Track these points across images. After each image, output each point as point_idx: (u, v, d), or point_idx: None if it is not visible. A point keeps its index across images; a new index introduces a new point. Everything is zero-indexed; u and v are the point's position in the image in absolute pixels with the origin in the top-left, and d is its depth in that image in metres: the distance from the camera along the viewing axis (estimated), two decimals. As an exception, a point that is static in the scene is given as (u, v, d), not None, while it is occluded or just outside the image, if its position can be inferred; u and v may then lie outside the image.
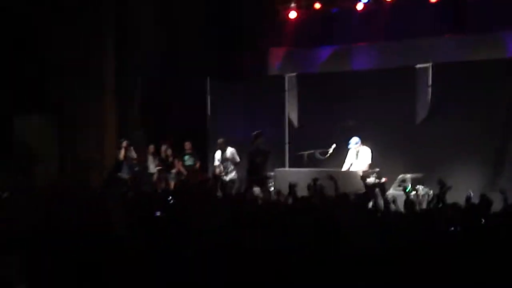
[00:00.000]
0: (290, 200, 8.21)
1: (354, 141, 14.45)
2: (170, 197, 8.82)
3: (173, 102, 17.38)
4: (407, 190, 12.06)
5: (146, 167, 16.53)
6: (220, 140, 15.53)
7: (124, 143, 16.16)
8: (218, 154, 15.49)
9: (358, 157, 14.49)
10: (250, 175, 14.19)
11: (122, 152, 16.15)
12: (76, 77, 16.31)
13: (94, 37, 16.46)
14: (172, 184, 15.82)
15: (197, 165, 16.43)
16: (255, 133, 14.76)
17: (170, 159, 16.53)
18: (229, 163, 15.41)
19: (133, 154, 16.33)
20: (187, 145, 16.38)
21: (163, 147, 16.58)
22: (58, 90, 16.38)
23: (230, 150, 15.45)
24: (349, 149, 14.53)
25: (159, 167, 16.47)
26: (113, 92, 16.87)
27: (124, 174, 15.97)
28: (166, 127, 17.05)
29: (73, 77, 16.32)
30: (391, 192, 13.09)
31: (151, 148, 16.68)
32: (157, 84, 17.36)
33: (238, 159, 15.42)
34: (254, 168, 14.33)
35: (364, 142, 14.55)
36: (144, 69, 17.25)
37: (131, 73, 17.21)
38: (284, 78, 16.53)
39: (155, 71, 17.24)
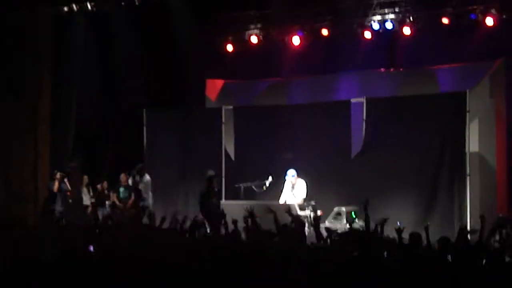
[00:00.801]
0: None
1: (291, 173, 14.54)
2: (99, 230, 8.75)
3: (108, 132, 17.24)
4: (353, 216, 12.20)
5: (80, 199, 16.28)
6: (138, 166, 15.68)
7: (58, 175, 15.92)
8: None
9: (294, 190, 14.57)
10: (207, 214, 14.07)
11: (56, 184, 15.90)
12: (11, 104, 16.06)
13: (30, 66, 16.28)
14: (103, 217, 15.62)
15: (131, 198, 16.22)
16: (209, 175, 14.80)
17: (106, 192, 16.33)
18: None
19: (67, 186, 16.09)
20: (123, 177, 16.22)
21: (99, 185, 16.40)
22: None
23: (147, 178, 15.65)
24: (285, 181, 14.61)
25: (92, 201, 16.27)
26: (47, 122, 16.64)
27: (58, 206, 15.70)
28: (101, 158, 16.87)
29: (7, 106, 16.06)
30: (327, 224, 13.18)
31: (85, 179, 16.45)
32: (92, 114, 17.19)
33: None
34: (212, 207, 14.30)
35: (299, 174, 14.64)
36: (80, 99, 17.10)
37: (66, 103, 17.03)
38: (221, 110, 16.57)
39: (90, 101, 17.09)
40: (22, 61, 16.23)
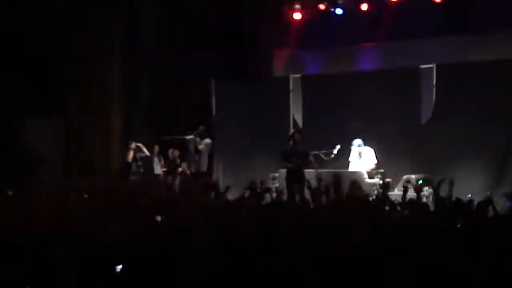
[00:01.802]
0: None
1: (357, 142, 14.49)
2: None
3: (178, 103, 17.43)
4: (419, 183, 12.11)
5: (152, 168, 16.54)
6: (200, 128, 15.92)
7: (133, 145, 16.17)
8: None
9: (362, 158, 14.52)
10: (291, 174, 13.94)
11: (131, 153, 16.16)
12: (82, 79, 16.39)
13: (101, 41, 16.54)
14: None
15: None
16: (292, 132, 14.79)
17: (177, 161, 16.53)
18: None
19: (145, 152, 16.29)
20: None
21: (170, 150, 16.59)
22: (64, 92, 16.45)
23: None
24: (351, 150, 14.57)
25: (164, 169, 16.49)
26: (119, 94, 16.93)
27: (132, 176, 15.99)
28: (172, 128, 17.08)
29: (79, 80, 16.40)
30: (396, 192, 13.10)
31: (156, 148, 16.68)
32: (162, 85, 17.42)
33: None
34: (297, 166, 14.03)
35: (368, 142, 14.58)
36: (149, 70, 17.32)
37: (136, 75, 17.27)
38: (288, 80, 16.55)
39: (159, 72, 17.31)
40: (94, 35, 16.49)
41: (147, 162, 16.39)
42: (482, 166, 13.97)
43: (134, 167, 16.18)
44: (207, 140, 16.00)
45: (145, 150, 16.15)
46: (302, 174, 13.53)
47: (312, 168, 14.09)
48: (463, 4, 15.62)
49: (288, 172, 13.95)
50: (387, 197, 8.62)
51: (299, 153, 14.08)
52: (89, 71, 16.47)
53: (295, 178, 13.42)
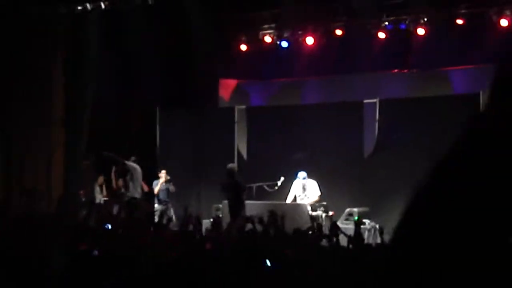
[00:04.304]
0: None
1: (302, 175, 14.55)
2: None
3: (122, 132, 17.28)
4: (355, 219, 12.20)
5: (93, 198, 16.30)
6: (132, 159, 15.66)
7: (163, 174, 15.85)
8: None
9: (306, 190, 14.58)
10: (233, 207, 14.06)
11: (160, 183, 15.83)
12: (25, 103, 16.15)
13: (43, 65, 16.34)
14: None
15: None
16: (230, 167, 14.79)
17: (122, 190, 16.32)
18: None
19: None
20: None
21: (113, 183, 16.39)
22: (6, 116, 16.21)
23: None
24: (293, 182, 14.63)
25: (105, 199, 16.27)
26: (61, 122, 16.72)
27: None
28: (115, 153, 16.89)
29: (22, 104, 16.16)
30: (339, 225, 13.15)
31: (100, 179, 16.46)
32: (106, 114, 17.24)
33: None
34: (238, 199, 14.20)
35: (312, 175, 14.66)
36: (93, 98, 17.15)
37: (80, 103, 17.08)
38: (234, 110, 16.58)
39: (104, 101, 17.13)
40: (35, 61, 16.28)
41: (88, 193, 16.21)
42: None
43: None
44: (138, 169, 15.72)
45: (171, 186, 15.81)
46: (241, 206, 13.62)
47: (252, 199, 14.20)
48: (405, 42, 15.93)
49: (228, 205, 14.02)
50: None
51: (237, 186, 14.21)
52: (31, 98, 16.22)
53: (235, 211, 13.51)
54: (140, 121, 17.24)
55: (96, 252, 6.64)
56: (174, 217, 14.19)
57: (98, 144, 17.14)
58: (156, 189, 15.83)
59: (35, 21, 16.14)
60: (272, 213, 8.91)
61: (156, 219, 13.35)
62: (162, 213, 13.68)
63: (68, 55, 16.79)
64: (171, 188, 15.79)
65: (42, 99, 16.39)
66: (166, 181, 15.80)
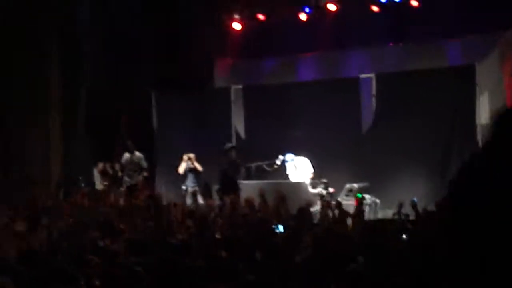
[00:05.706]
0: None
1: (290, 157, 14.51)
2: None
3: (118, 116, 17.24)
4: (359, 196, 12.26)
5: (93, 184, 16.30)
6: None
7: (185, 157, 15.57)
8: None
9: (297, 169, 14.55)
10: (224, 186, 14.14)
11: (183, 165, 15.53)
12: (22, 89, 16.10)
13: (39, 52, 16.27)
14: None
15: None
16: (228, 147, 14.78)
17: (119, 174, 16.27)
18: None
19: (196, 165, 15.83)
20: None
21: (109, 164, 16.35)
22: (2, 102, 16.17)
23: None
24: (285, 166, 14.64)
25: (105, 184, 16.23)
26: (57, 108, 16.67)
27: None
28: (112, 142, 16.87)
29: (19, 90, 16.12)
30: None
31: (100, 165, 16.41)
32: (102, 97, 17.17)
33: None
34: (229, 179, 14.32)
35: (309, 152, 14.63)
36: (88, 81, 17.09)
37: (75, 86, 17.02)
38: (229, 90, 16.53)
39: (99, 85, 17.08)
40: (29, 45, 16.19)
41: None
42: (421, 172, 14.16)
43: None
44: (138, 154, 15.56)
45: (196, 163, 15.54)
46: (236, 184, 14.05)
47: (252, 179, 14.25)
48: (401, 15, 15.86)
49: (224, 185, 14.19)
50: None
51: (234, 167, 14.49)
52: (27, 86, 16.15)
53: (231, 190, 13.62)
54: (136, 104, 17.15)
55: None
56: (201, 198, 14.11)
57: (95, 129, 17.12)
58: (180, 169, 15.64)
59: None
60: (279, 193, 9.20)
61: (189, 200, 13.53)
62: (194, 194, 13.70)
63: (61, 40, 16.68)
64: (198, 166, 15.56)
65: (38, 87, 16.32)
66: (188, 159, 15.57)
